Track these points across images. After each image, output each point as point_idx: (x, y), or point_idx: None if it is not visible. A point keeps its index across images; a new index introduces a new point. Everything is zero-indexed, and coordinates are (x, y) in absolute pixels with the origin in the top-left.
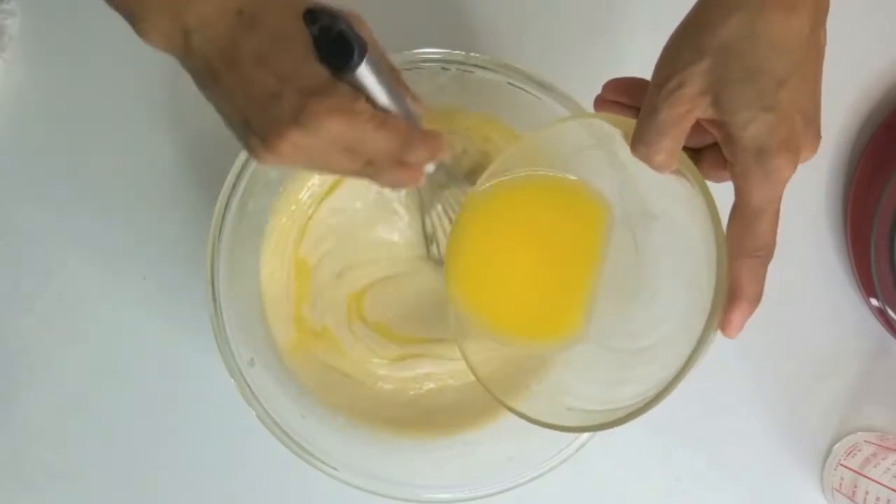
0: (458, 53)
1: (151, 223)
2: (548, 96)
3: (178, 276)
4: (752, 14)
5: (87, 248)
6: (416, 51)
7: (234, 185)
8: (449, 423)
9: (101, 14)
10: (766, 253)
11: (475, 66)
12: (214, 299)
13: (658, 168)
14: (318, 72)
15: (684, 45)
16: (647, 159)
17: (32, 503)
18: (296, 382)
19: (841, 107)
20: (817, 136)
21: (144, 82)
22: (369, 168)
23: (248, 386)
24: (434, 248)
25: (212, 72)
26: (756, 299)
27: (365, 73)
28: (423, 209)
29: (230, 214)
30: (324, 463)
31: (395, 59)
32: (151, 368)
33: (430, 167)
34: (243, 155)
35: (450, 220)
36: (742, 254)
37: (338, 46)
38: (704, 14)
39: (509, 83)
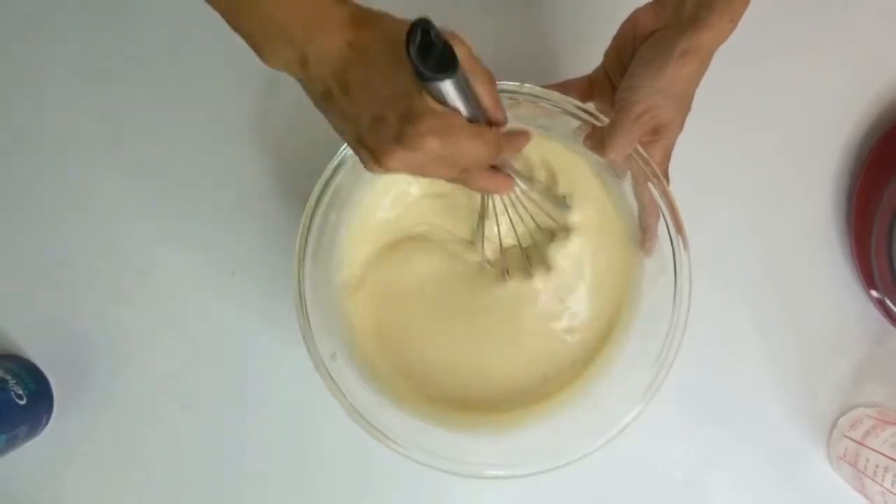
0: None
1: (242, 228)
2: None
3: (262, 273)
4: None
5: (181, 247)
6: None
7: (318, 200)
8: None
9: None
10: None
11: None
12: (301, 301)
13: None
14: (415, 96)
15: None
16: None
17: (133, 465)
18: (370, 375)
19: (849, 117)
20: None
21: (238, 112)
22: (464, 174)
23: (332, 377)
24: (481, 246)
25: (329, 95)
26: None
27: (456, 84)
28: (482, 210)
29: (314, 226)
30: (394, 442)
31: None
32: (236, 354)
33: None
34: (327, 173)
35: (509, 220)
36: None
37: (437, 55)
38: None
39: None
